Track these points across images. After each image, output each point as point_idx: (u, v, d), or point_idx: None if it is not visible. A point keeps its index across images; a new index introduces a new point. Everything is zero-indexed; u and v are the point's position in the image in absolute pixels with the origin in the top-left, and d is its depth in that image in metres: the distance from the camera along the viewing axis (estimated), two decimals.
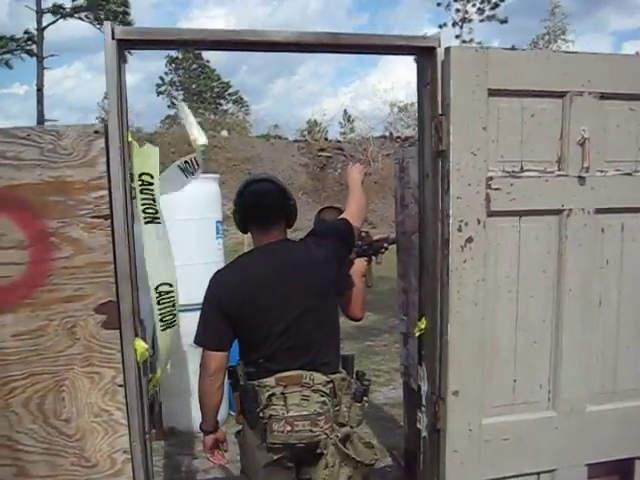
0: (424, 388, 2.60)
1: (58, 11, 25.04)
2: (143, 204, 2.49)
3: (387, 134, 24.34)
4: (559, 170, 2.50)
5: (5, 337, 2.21)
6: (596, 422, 2.64)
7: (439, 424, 2.50)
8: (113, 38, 2.13)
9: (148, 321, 2.78)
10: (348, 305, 2.74)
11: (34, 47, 24.82)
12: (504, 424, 2.55)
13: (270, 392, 2.33)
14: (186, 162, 3.40)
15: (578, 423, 2.61)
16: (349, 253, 2.66)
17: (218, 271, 2.52)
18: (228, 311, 2.36)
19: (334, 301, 2.55)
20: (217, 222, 5.24)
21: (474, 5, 30.24)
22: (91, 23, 25.41)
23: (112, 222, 2.20)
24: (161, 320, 2.69)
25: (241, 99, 41.15)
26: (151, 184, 2.53)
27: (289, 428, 2.29)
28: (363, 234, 2.85)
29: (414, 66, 2.57)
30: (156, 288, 2.68)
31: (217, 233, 5.23)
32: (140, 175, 2.44)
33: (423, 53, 2.44)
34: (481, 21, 30.67)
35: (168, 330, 2.71)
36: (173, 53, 35.43)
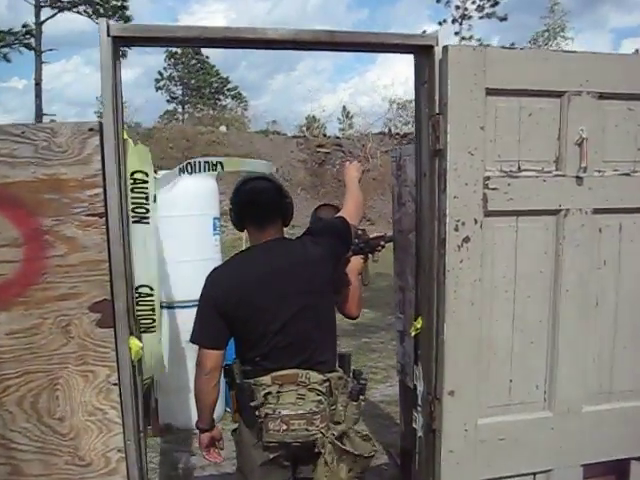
0: (420, 388, 2.60)
1: (56, 5, 24.94)
2: (133, 203, 2.49)
3: (386, 130, 24.33)
4: (557, 170, 2.49)
5: None
6: (592, 423, 2.63)
7: (435, 424, 2.50)
8: (108, 35, 2.11)
9: None
10: (344, 303, 2.74)
11: (32, 41, 24.73)
12: (500, 424, 2.54)
13: (266, 391, 2.33)
14: (188, 163, 3.41)
15: (574, 423, 2.61)
16: (346, 251, 2.65)
17: (214, 269, 2.51)
18: (224, 310, 2.35)
19: (331, 299, 2.54)
20: (214, 218, 5.23)
21: (474, 2, 30.11)
22: (90, 17, 25.30)
23: (107, 220, 2.19)
24: (140, 323, 2.68)
25: (240, 94, 41.13)
26: (145, 182, 2.53)
27: (285, 427, 2.29)
28: (360, 232, 2.84)
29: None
30: (136, 289, 2.67)
31: (214, 229, 5.23)
32: (133, 173, 2.43)
33: (421, 51, 2.43)
34: (480, 18, 30.54)
35: (146, 335, 2.70)
36: (172, 48, 35.31)
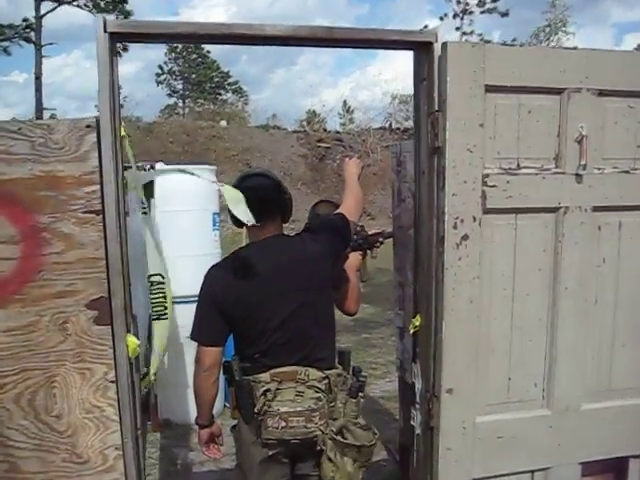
0: (418, 385, 2.59)
1: None
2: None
3: (387, 125, 24.28)
4: (556, 167, 2.47)
5: None
6: (591, 421, 2.63)
7: (433, 422, 2.49)
8: (105, 31, 2.10)
9: (142, 316, 2.79)
10: (343, 300, 2.73)
11: (32, 35, 24.66)
12: (498, 422, 2.54)
13: (265, 388, 2.33)
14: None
15: (573, 421, 2.60)
16: (345, 248, 2.65)
17: (213, 266, 2.51)
18: (223, 307, 2.36)
19: (330, 296, 2.54)
20: (214, 214, 5.24)
21: None
22: (90, 11, 25.21)
23: (104, 217, 2.18)
24: (152, 310, 2.71)
25: (240, 89, 41.06)
26: None
27: (283, 424, 2.30)
28: (358, 228, 2.84)
29: None
30: (148, 278, 2.69)
31: (214, 225, 5.24)
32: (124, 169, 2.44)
33: (420, 48, 2.41)
34: (482, 13, 30.44)
35: (159, 322, 2.72)
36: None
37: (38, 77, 24.72)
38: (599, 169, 2.50)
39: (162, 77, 41.55)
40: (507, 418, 2.55)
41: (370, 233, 2.98)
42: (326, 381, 2.39)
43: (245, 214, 2.24)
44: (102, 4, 24.77)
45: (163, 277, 2.79)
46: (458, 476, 2.51)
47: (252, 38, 2.32)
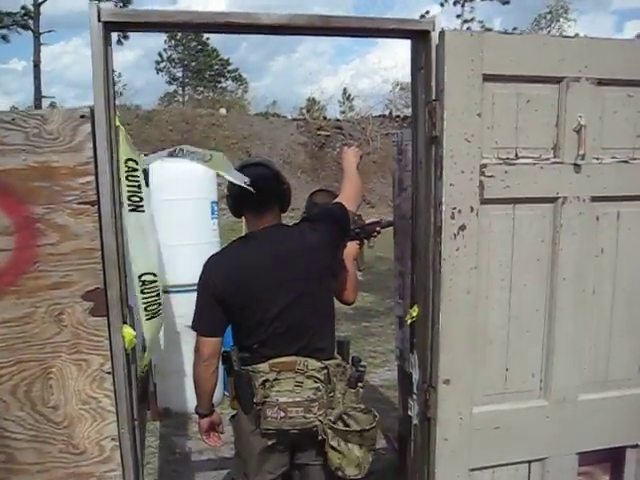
0: (415, 376, 2.59)
1: None
2: (129, 191, 2.47)
3: (387, 113, 24.21)
4: (554, 157, 2.46)
5: None
6: (588, 411, 2.63)
7: (430, 412, 2.49)
8: (99, 20, 2.08)
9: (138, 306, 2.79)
10: (340, 289, 2.73)
11: (31, 22, 24.54)
12: (495, 413, 2.54)
13: (264, 378, 2.34)
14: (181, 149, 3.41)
15: (570, 412, 2.60)
16: (344, 238, 2.65)
17: (212, 256, 2.51)
18: (222, 297, 2.36)
19: (329, 286, 2.54)
20: (212, 202, 5.24)
21: None
22: None
23: (99, 208, 2.17)
24: (145, 309, 2.70)
25: (240, 76, 40.91)
26: (136, 170, 2.51)
27: (282, 414, 2.30)
28: (355, 217, 2.83)
29: None
30: (140, 277, 2.67)
31: (212, 213, 5.23)
32: (126, 161, 2.41)
33: (417, 37, 2.39)
34: (482, 0, 30.33)
35: (153, 319, 2.71)
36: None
37: (37, 65, 24.62)
38: (598, 159, 2.49)
39: (162, 65, 41.39)
40: (504, 409, 2.55)
41: (367, 222, 2.96)
42: (325, 371, 2.39)
43: (240, 177, 2.24)
44: None
45: (155, 275, 2.77)
46: (455, 466, 2.51)
47: (248, 27, 2.29)
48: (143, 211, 2.66)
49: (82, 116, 2.14)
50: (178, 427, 4.87)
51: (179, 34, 38.52)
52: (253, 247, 2.44)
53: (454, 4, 29.91)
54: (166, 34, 37.83)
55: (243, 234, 2.59)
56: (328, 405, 2.37)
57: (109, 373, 2.25)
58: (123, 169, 2.39)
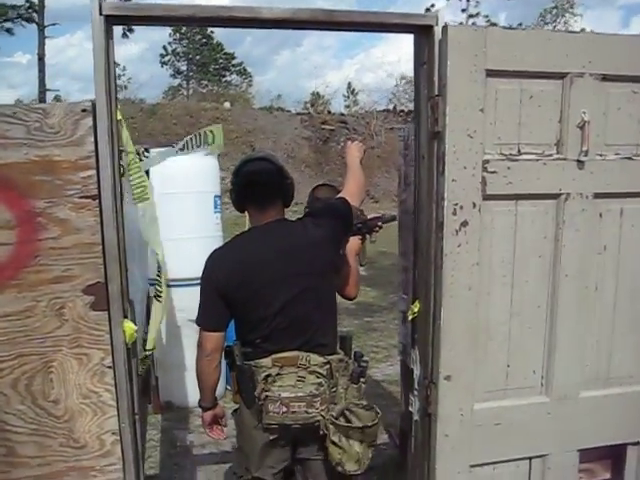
0: (416, 372, 2.59)
1: None
2: (133, 185, 2.50)
3: (391, 107, 24.17)
4: (558, 153, 2.44)
5: None
6: (589, 408, 2.62)
7: (431, 408, 2.49)
8: (101, 14, 2.07)
9: (139, 301, 2.79)
10: (342, 284, 2.72)
11: (35, 15, 24.53)
12: (496, 409, 2.53)
13: (266, 373, 2.34)
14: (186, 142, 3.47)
15: (571, 409, 2.60)
16: (347, 233, 2.64)
17: (215, 250, 2.51)
18: (225, 292, 2.36)
19: (332, 282, 2.54)
20: (215, 196, 5.23)
21: None
22: None
23: (100, 202, 2.16)
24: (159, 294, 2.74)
25: (245, 70, 40.85)
26: (137, 161, 2.53)
27: (284, 409, 2.31)
28: (357, 212, 2.82)
29: None
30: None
31: (215, 207, 5.23)
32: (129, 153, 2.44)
33: (420, 31, 2.37)
34: None
35: (155, 302, 2.75)
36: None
37: (41, 58, 24.63)
38: (601, 155, 2.47)
39: (166, 58, 41.35)
40: (505, 405, 2.54)
41: (370, 217, 2.94)
42: (327, 366, 2.39)
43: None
44: None
45: (160, 268, 2.81)
46: (456, 463, 2.51)
47: (251, 21, 2.28)
48: (148, 198, 2.77)
49: (83, 110, 2.14)
50: (180, 421, 4.88)
51: (183, 28, 38.49)
52: (256, 242, 2.43)
53: None
54: (171, 28, 37.82)
55: (246, 229, 2.59)
56: (330, 400, 2.37)
57: (110, 367, 2.25)
58: (131, 156, 2.41)
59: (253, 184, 2.45)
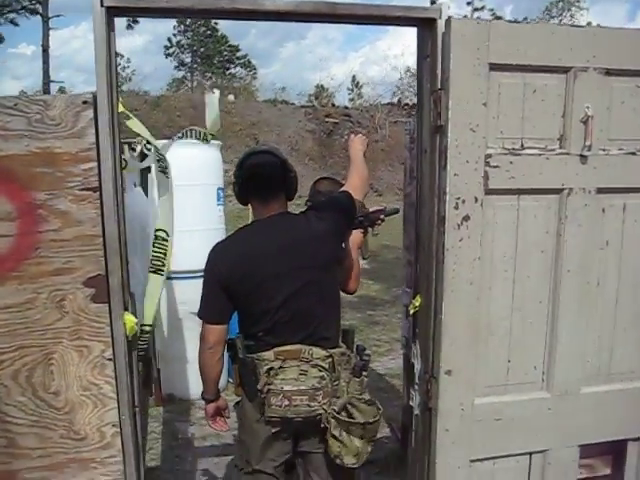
0: (417, 366, 2.59)
1: None
2: (157, 158, 2.53)
3: (395, 101, 24.12)
4: (561, 148, 2.43)
5: None
6: (590, 404, 2.62)
7: (431, 403, 2.49)
8: (102, 5, 2.06)
9: (139, 294, 2.79)
10: (343, 278, 2.71)
11: (39, 7, 24.50)
12: (497, 404, 2.53)
13: (269, 366, 2.34)
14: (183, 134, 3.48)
15: (572, 405, 2.59)
16: (350, 227, 2.64)
17: (218, 243, 2.51)
18: (227, 285, 2.36)
19: (335, 275, 2.54)
20: (218, 189, 5.23)
21: None
22: None
23: (101, 195, 2.16)
24: (151, 262, 2.72)
25: (249, 63, 40.77)
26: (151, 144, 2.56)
27: (287, 402, 2.31)
28: (359, 205, 2.81)
29: None
30: (155, 230, 2.77)
31: (218, 200, 5.23)
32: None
33: (423, 25, 2.36)
34: None
35: (154, 275, 2.75)
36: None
37: (45, 49, 24.62)
38: (604, 150, 2.46)
39: (171, 50, 41.27)
40: (506, 400, 2.54)
41: (372, 210, 2.93)
42: (330, 360, 2.39)
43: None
44: None
45: (168, 234, 2.81)
46: (456, 457, 2.51)
47: (254, 13, 2.27)
48: (168, 177, 2.77)
49: (84, 102, 2.13)
50: (181, 413, 4.89)
51: (188, 20, 38.40)
52: (259, 235, 2.43)
53: None
54: (175, 19, 37.72)
55: (249, 222, 2.58)
56: (332, 394, 2.38)
57: (110, 360, 2.25)
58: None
59: (256, 177, 2.45)
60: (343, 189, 2.67)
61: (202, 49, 40.58)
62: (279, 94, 26.52)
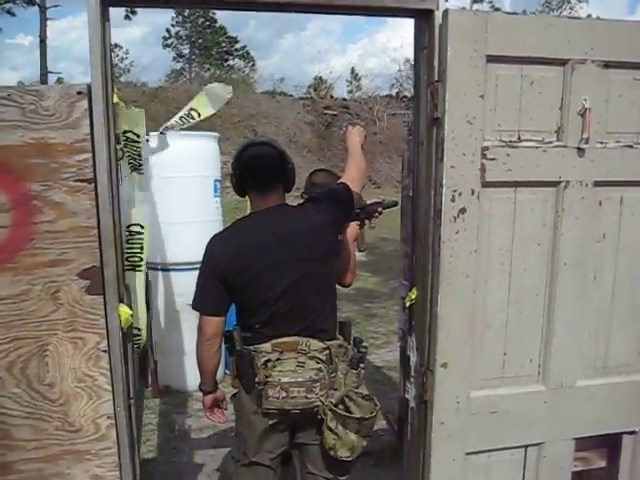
0: (413, 359, 2.58)
1: None
2: (128, 155, 2.49)
3: (394, 93, 24.08)
4: (558, 141, 2.42)
5: None
6: (586, 397, 2.62)
7: (427, 395, 2.48)
8: None
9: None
10: (339, 271, 2.71)
11: None
12: (492, 397, 2.53)
13: (266, 358, 2.34)
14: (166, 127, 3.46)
15: (567, 397, 2.59)
16: (348, 219, 2.63)
17: (215, 235, 2.51)
18: (225, 277, 2.35)
19: (332, 267, 2.54)
20: (215, 180, 5.22)
21: None
22: None
23: (96, 186, 2.15)
24: (127, 260, 2.71)
25: (248, 54, 40.64)
26: (136, 142, 2.52)
27: (284, 394, 2.31)
28: (357, 197, 2.80)
29: None
30: (128, 227, 2.74)
31: (215, 192, 5.22)
32: (124, 132, 2.42)
33: (420, 16, 2.34)
34: None
35: (132, 272, 2.74)
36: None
37: (43, 40, 24.53)
38: (602, 143, 2.45)
39: (169, 41, 41.11)
40: (502, 393, 2.54)
41: (369, 202, 2.92)
42: (327, 352, 2.40)
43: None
44: None
45: (142, 227, 2.79)
46: (451, 450, 2.51)
47: (251, 4, 2.26)
48: (142, 173, 2.75)
49: (79, 92, 2.11)
50: (178, 405, 4.90)
51: (187, 10, 38.23)
52: (257, 227, 2.43)
53: None
54: (173, 10, 37.56)
55: (247, 213, 2.58)
56: (330, 386, 2.38)
57: (105, 351, 2.24)
58: (121, 139, 2.40)
59: (254, 169, 2.45)
60: (341, 181, 2.67)
61: (200, 40, 40.42)
62: (277, 85, 26.46)
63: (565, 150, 2.42)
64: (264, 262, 2.35)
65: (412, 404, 2.60)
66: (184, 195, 4.92)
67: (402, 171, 3.91)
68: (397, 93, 24.03)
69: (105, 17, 2.11)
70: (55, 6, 25.09)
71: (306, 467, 2.53)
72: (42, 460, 2.27)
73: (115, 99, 2.29)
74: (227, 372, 4.49)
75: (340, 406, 2.36)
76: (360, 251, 3.02)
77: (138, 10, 22.97)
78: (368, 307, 7.95)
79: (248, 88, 26.05)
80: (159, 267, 4.97)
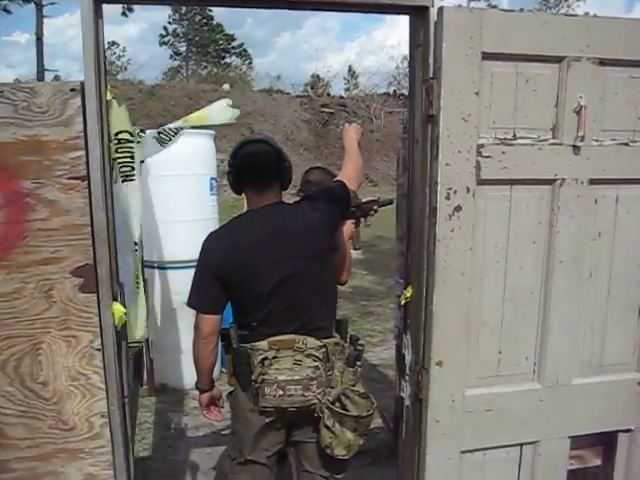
0: (408, 357, 2.58)
1: None
2: (120, 163, 2.46)
3: (391, 91, 24.09)
4: (553, 138, 2.41)
5: None
6: (581, 395, 2.61)
7: (422, 394, 2.48)
8: None
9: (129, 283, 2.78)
10: (336, 269, 2.70)
11: None
12: (488, 395, 2.52)
13: (263, 356, 2.34)
14: (160, 133, 3.42)
15: (563, 396, 2.59)
16: (344, 217, 2.63)
17: (211, 233, 2.50)
18: (221, 275, 2.35)
19: (330, 265, 2.54)
20: (211, 179, 5.22)
21: None
22: None
23: (89, 184, 2.13)
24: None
25: (245, 52, 40.63)
26: (130, 141, 2.50)
27: (281, 392, 2.31)
28: (352, 195, 2.80)
29: None
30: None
31: (211, 190, 5.22)
32: (117, 134, 2.39)
33: (415, 13, 2.33)
34: None
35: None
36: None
37: (39, 37, 24.47)
38: (597, 141, 2.44)
39: (166, 39, 41.09)
40: (497, 391, 2.53)
41: (364, 200, 2.91)
42: (324, 350, 2.40)
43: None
44: None
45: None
46: (446, 448, 2.50)
47: (243, 0, 2.25)
48: (133, 180, 2.74)
49: (72, 90, 2.10)
50: (174, 403, 4.89)
51: (183, 8, 38.19)
52: (253, 225, 2.42)
53: None
54: (170, 8, 37.51)
55: (244, 211, 2.57)
56: (327, 384, 2.38)
57: (99, 350, 2.23)
58: (113, 142, 2.37)
59: (251, 166, 2.44)
60: (338, 179, 2.66)
61: (197, 38, 40.41)
62: (274, 83, 26.47)
63: (561, 148, 2.41)
64: (260, 260, 2.34)
65: (407, 402, 2.60)
66: (180, 193, 4.92)
67: (397, 169, 3.90)
68: (394, 91, 24.06)
69: (98, 14, 2.10)
70: (51, 4, 25.03)
71: (302, 465, 2.52)
72: (36, 459, 2.26)
73: (108, 96, 2.27)
74: (224, 370, 4.49)
75: (337, 404, 2.36)
76: (356, 249, 3.02)
77: (135, 7, 22.95)
78: (364, 305, 7.96)
79: (245, 86, 26.05)
80: (155, 265, 4.96)
